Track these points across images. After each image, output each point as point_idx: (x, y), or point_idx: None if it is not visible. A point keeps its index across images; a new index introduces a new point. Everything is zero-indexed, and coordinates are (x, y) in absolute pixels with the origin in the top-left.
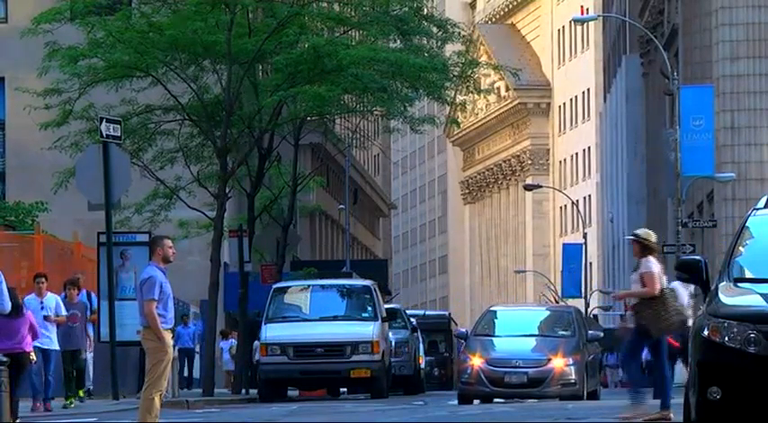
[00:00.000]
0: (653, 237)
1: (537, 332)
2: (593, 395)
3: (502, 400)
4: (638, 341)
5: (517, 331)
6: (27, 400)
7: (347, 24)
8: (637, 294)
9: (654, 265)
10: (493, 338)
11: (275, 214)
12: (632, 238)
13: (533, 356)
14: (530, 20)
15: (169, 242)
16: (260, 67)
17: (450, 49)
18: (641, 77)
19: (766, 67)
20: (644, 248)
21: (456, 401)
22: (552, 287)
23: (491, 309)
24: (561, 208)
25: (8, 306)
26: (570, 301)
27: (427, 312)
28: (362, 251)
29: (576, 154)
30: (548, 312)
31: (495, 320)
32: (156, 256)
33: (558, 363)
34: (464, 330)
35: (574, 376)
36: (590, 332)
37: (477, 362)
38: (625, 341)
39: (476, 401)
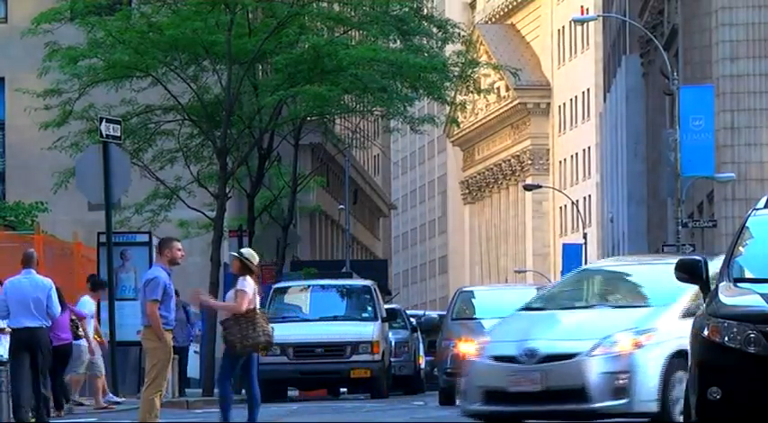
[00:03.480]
0: (255, 259)
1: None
2: None
3: None
4: (232, 359)
5: (506, 313)
6: None
7: (347, 24)
8: (223, 307)
9: (249, 285)
10: (481, 321)
11: (275, 214)
12: (236, 255)
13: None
14: (530, 20)
15: (178, 244)
16: (260, 67)
17: (451, 49)
18: (641, 77)
19: (766, 67)
20: (244, 267)
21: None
22: None
23: (463, 290)
24: (561, 208)
25: (58, 311)
26: None
27: (427, 312)
28: (362, 251)
29: (576, 154)
30: (535, 290)
31: (474, 302)
32: (164, 257)
33: None
34: (434, 315)
35: None
36: None
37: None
38: (222, 359)
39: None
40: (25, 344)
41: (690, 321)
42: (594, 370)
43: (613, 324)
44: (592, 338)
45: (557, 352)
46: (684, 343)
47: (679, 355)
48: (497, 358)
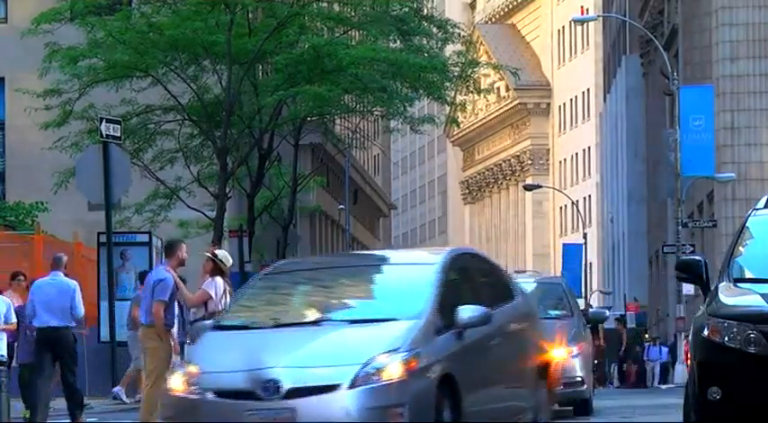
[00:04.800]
0: (229, 261)
1: None
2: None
3: None
4: None
5: None
6: None
7: (347, 24)
8: (185, 295)
9: (216, 287)
10: None
11: (275, 214)
12: (209, 257)
13: None
14: (530, 20)
15: (185, 246)
16: (260, 67)
17: (451, 49)
18: (641, 77)
19: (766, 67)
20: (216, 269)
21: None
22: None
23: None
24: (561, 208)
25: (82, 312)
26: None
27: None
28: (362, 251)
29: (576, 154)
30: (528, 284)
31: None
32: (175, 259)
33: (558, 354)
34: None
35: (579, 372)
36: (591, 311)
37: None
38: None
39: None
40: (49, 343)
41: (444, 338)
42: (362, 405)
43: (368, 344)
44: (349, 364)
45: (308, 383)
46: (448, 366)
47: (445, 382)
48: (223, 393)
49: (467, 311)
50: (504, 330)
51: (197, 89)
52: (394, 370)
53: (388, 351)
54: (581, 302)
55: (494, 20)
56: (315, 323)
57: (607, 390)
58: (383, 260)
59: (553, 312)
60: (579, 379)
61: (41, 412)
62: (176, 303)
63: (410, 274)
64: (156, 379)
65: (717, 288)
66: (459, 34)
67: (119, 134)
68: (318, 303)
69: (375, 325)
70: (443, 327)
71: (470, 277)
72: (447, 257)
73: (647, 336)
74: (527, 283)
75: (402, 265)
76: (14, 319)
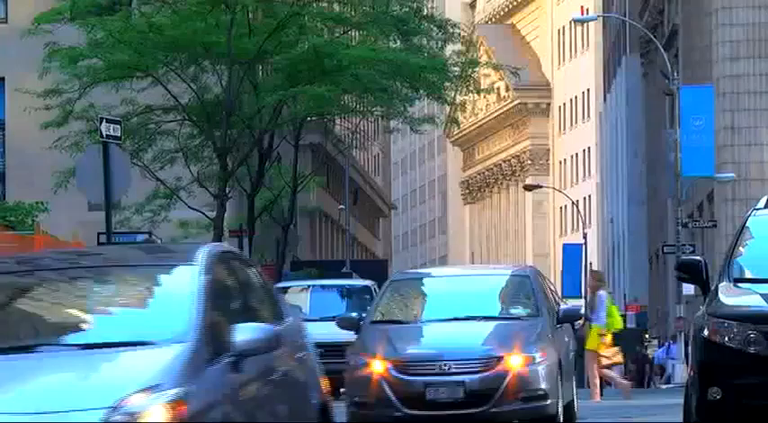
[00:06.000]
0: None
1: (477, 313)
2: (568, 411)
3: None
4: None
5: (442, 312)
6: None
7: (347, 24)
8: None
9: None
10: (403, 326)
11: (275, 214)
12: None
13: (474, 354)
14: (530, 20)
15: None
16: (260, 67)
17: (451, 49)
18: (641, 77)
19: (766, 67)
20: None
21: None
22: (552, 287)
23: (401, 277)
24: (561, 208)
25: None
26: (570, 302)
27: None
28: (362, 251)
29: (576, 154)
30: (492, 278)
31: (405, 296)
32: None
33: (516, 362)
34: (354, 315)
35: (542, 384)
36: (563, 308)
37: (377, 368)
38: None
39: None
40: None
41: (218, 370)
42: None
43: (115, 379)
44: (89, 408)
45: None
46: (226, 412)
47: None
48: None
49: (246, 332)
50: (287, 360)
51: (197, 89)
52: (156, 416)
53: (146, 388)
54: (581, 303)
55: (494, 20)
56: (28, 349)
57: (608, 390)
58: (120, 259)
59: (515, 311)
60: (542, 392)
61: None
62: None
63: (161, 278)
64: None
65: (717, 288)
66: (460, 34)
67: (119, 134)
68: (31, 320)
69: (121, 351)
70: (214, 353)
71: (239, 284)
72: (208, 255)
73: (646, 335)
74: (497, 276)
75: (148, 266)
76: None
